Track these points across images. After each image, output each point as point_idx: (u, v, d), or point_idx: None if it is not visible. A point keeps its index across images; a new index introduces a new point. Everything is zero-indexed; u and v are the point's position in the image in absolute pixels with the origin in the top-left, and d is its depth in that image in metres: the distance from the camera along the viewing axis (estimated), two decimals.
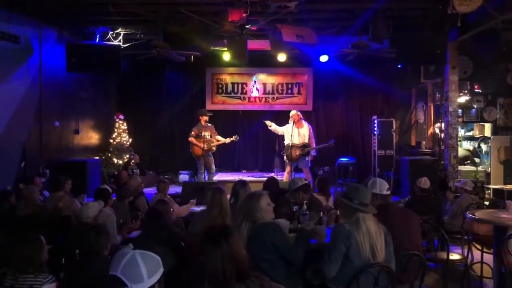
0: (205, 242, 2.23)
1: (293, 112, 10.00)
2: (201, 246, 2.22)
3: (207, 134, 9.94)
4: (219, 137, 10.25)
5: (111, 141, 11.56)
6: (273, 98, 13.01)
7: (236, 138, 10.23)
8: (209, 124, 10.19)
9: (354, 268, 3.31)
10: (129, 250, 1.98)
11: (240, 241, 2.32)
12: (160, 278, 2.00)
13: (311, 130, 10.13)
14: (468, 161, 10.72)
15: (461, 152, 10.26)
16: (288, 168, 10.08)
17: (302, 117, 10.10)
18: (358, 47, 9.17)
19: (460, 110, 10.18)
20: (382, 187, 4.20)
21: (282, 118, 10.65)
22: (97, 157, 10.79)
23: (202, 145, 9.80)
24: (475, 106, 10.84)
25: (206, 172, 10.17)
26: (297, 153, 9.83)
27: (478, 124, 11.12)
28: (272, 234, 3.57)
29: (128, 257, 1.95)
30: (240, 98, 13.07)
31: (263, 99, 13.03)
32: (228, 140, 10.22)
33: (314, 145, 10.01)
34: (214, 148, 10.18)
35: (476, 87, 10.74)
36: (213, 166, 10.24)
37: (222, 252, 2.16)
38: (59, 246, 4.23)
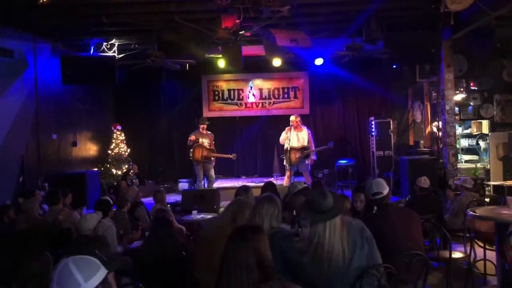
0: (233, 236, 2.34)
1: (293, 118, 10.00)
2: (228, 241, 2.33)
3: (205, 142, 9.94)
4: (215, 153, 10.28)
5: (109, 152, 11.54)
6: (270, 103, 13.02)
7: (234, 156, 10.35)
8: (209, 132, 10.20)
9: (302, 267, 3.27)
10: (64, 260, 1.92)
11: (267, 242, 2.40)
12: (106, 280, 1.95)
13: (310, 134, 10.14)
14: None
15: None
16: (288, 173, 10.06)
17: (301, 121, 10.10)
18: (353, 49, 9.20)
19: (457, 108, 10.20)
20: (380, 187, 4.14)
21: (279, 122, 10.67)
22: (96, 169, 10.77)
23: (197, 151, 9.81)
24: (471, 104, 10.85)
25: (205, 179, 10.16)
26: (297, 156, 9.82)
27: (475, 121, 11.13)
28: (281, 243, 3.51)
29: (61, 267, 1.91)
30: (237, 104, 13.08)
31: (260, 104, 13.03)
32: (225, 156, 10.31)
33: (313, 149, 10.01)
34: (212, 158, 10.17)
35: (472, 84, 10.77)
36: (212, 173, 10.23)
37: (247, 244, 2.25)
38: (60, 259, 4.20)
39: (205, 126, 10.12)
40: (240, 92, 13.08)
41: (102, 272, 1.96)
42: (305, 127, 10.20)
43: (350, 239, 3.24)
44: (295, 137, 9.87)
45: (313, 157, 10.13)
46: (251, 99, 13.01)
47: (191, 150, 9.98)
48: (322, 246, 3.17)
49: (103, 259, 2.02)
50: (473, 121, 11.18)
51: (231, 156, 10.25)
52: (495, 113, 10.84)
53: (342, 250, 3.17)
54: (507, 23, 8.51)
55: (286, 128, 10.12)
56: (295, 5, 7.34)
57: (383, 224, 3.62)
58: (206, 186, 10.14)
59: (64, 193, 6.48)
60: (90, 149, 11.33)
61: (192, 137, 9.93)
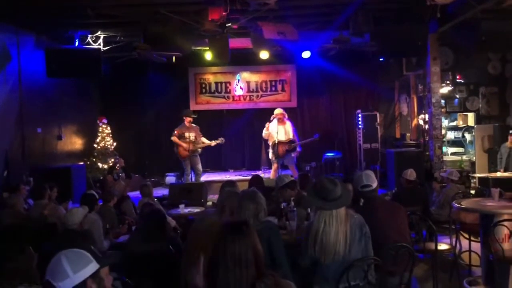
0: (228, 232, 2.26)
1: (278, 111, 9.98)
2: (222, 236, 2.25)
3: (191, 135, 9.88)
4: (204, 139, 10.18)
5: (95, 145, 11.44)
6: (257, 96, 12.99)
7: (222, 140, 10.20)
8: (194, 125, 10.11)
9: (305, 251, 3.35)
10: (60, 252, 2.05)
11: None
12: (97, 274, 2.04)
13: (293, 126, 10.15)
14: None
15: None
16: (274, 166, 10.07)
17: (285, 114, 10.09)
18: (340, 42, 9.20)
19: (443, 101, 10.27)
20: (369, 179, 4.15)
21: (267, 115, 10.62)
22: (82, 163, 10.67)
23: (187, 146, 9.74)
24: (457, 96, 10.93)
25: (192, 173, 10.11)
26: (284, 149, 9.84)
27: (461, 114, 11.23)
28: (269, 233, 3.53)
29: (54, 259, 2.02)
30: (224, 97, 13.03)
31: (247, 98, 13.00)
32: (213, 142, 10.15)
33: (297, 141, 10.03)
34: (199, 149, 10.10)
35: (458, 77, 10.84)
36: (200, 167, 10.18)
37: (245, 240, 2.20)
38: (45, 254, 4.16)
39: (191, 119, 10.04)
40: (228, 85, 13.03)
41: (92, 266, 2.04)
42: (288, 120, 10.19)
43: (352, 231, 3.35)
44: (282, 131, 9.87)
45: (298, 149, 10.15)
46: (239, 92, 12.97)
47: (177, 146, 9.90)
48: (328, 234, 3.25)
49: (97, 254, 2.12)
50: (459, 114, 11.28)
51: (219, 141, 10.17)
52: (480, 105, 10.94)
53: (344, 240, 3.29)
54: (493, 16, 8.55)
55: (268, 123, 10.10)
56: None
57: (370, 216, 3.62)
58: (193, 179, 10.10)
59: (50, 187, 6.41)
60: (76, 142, 11.21)
61: (177, 132, 9.84)
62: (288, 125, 10.02)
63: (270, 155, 10.12)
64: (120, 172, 9.83)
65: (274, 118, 9.98)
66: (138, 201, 7.10)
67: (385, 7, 8.79)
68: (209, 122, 12.48)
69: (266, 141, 10.52)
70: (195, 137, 9.97)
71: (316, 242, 3.28)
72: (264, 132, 10.20)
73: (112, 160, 11.09)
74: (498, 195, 5.13)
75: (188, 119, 10.00)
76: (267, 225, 3.62)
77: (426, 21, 8.60)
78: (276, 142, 9.81)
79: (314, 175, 11.43)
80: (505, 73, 10.77)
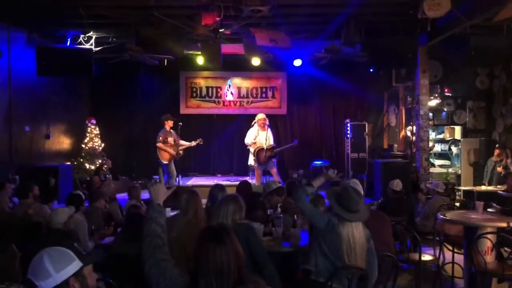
0: (207, 239, 2.15)
1: (261, 116, 10.05)
2: (202, 244, 2.14)
3: (171, 140, 9.86)
4: (182, 142, 10.17)
5: (83, 146, 11.36)
6: (248, 102, 13.02)
7: (200, 141, 10.21)
8: (172, 131, 10.07)
9: (332, 264, 3.37)
10: (41, 251, 2.02)
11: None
12: (80, 273, 2.02)
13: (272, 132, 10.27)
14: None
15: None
16: (258, 172, 10.15)
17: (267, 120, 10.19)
18: (331, 51, 9.27)
19: (431, 113, 10.38)
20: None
21: None
22: (69, 163, 10.58)
23: (171, 150, 9.72)
24: (445, 109, 11.05)
25: (166, 177, 10.04)
26: (267, 155, 9.90)
27: (448, 127, 11.35)
28: (247, 233, 3.56)
29: (36, 258, 1.99)
30: (214, 102, 13.04)
31: (238, 103, 13.02)
32: (193, 143, 10.16)
33: (280, 147, 10.13)
34: (181, 152, 10.08)
35: (446, 90, 10.96)
36: (175, 171, 10.19)
37: (226, 247, 2.11)
38: (29, 253, 4.13)
39: (171, 124, 10.00)
40: (218, 89, 13.04)
41: (75, 265, 2.02)
42: (268, 126, 10.27)
43: (365, 239, 3.50)
44: (265, 136, 9.97)
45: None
46: (229, 97, 12.99)
47: (159, 151, 9.84)
48: (357, 242, 3.41)
49: (80, 253, 2.08)
50: (446, 127, 11.40)
51: (198, 141, 10.19)
52: (467, 119, 11.07)
53: (366, 246, 3.48)
54: (482, 31, 8.70)
55: (252, 130, 10.13)
56: (275, 5, 7.36)
57: None
58: (181, 183, 10.07)
59: (32, 185, 6.36)
60: (64, 142, 11.13)
61: (162, 137, 9.81)
62: (269, 131, 10.14)
63: (253, 162, 10.16)
64: (107, 173, 9.78)
65: (255, 123, 10.05)
66: (124, 203, 7.07)
67: (377, 19, 8.89)
68: (198, 126, 12.47)
69: None
70: (175, 141, 9.95)
71: (349, 252, 3.37)
72: (251, 141, 10.21)
73: (100, 161, 11.02)
74: (482, 208, 5.20)
75: (170, 123, 9.95)
76: (244, 226, 3.66)
77: (416, 34, 8.72)
78: (264, 148, 9.86)
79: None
80: (492, 88, 10.91)
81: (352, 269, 3.33)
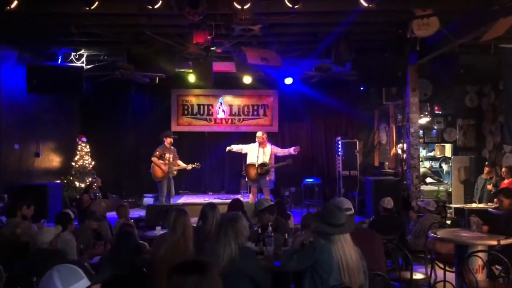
0: (173, 274, 2.04)
1: (259, 134, 9.99)
2: (170, 278, 2.03)
3: (170, 157, 9.82)
4: (180, 162, 10.12)
5: (73, 164, 11.29)
6: (239, 119, 13.05)
7: (198, 165, 10.14)
8: (172, 147, 10.05)
9: (327, 285, 3.32)
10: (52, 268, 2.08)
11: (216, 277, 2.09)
12: None
13: (274, 150, 10.03)
14: (428, 178, 11.00)
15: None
16: (253, 189, 10.05)
17: (267, 138, 10.09)
18: (321, 70, 9.33)
19: (421, 131, 10.44)
20: (341, 204, 4.19)
21: (248, 139, 10.65)
22: (59, 181, 10.51)
23: (165, 168, 9.66)
24: (435, 127, 11.14)
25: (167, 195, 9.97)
26: (257, 172, 9.76)
27: (439, 144, 11.43)
28: (253, 260, 3.52)
29: (46, 274, 2.04)
30: (206, 119, 13.05)
31: (229, 121, 13.05)
32: (189, 166, 10.09)
33: (272, 165, 9.96)
34: (175, 172, 10.00)
35: (436, 108, 11.07)
36: (173, 190, 10.09)
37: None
38: (16, 274, 4.06)
39: (171, 141, 9.97)
40: (210, 107, 13.06)
41: (83, 283, 2.07)
42: (269, 143, 10.17)
43: (359, 254, 3.45)
44: (262, 153, 9.85)
45: (272, 176, 10.02)
46: (221, 115, 13.01)
47: (153, 166, 9.80)
48: (350, 256, 3.35)
49: (89, 271, 2.15)
50: (436, 144, 11.47)
51: (194, 165, 10.11)
52: (457, 137, 11.15)
53: (360, 264, 3.39)
54: (470, 50, 8.82)
55: (252, 144, 10.10)
56: (266, 25, 7.43)
57: None
58: (171, 201, 9.99)
59: (27, 205, 6.30)
60: (53, 160, 11.05)
61: (159, 152, 9.76)
62: (268, 148, 9.96)
63: (246, 178, 10.11)
64: (97, 192, 9.70)
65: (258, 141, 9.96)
66: (114, 222, 7.00)
67: (367, 38, 8.99)
68: (190, 144, 12.46)
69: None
70: (173, 159, 9.91)
71: (343, 269, 3.31)
72: (236, 147, 10.21)
73: (90, 179, 10.94)
74: (477, 223, 5.22)
75: (169, 139, 9.93)
76: (250, 252, 3.61)
77: (406, 53, 8.81)
78: (250, 164, 9.82)
79: (293, 200, 11.46)
80: (482, 106, 11.03)
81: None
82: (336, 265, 3.31)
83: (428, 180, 11.17)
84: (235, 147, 10.29)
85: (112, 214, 8.58)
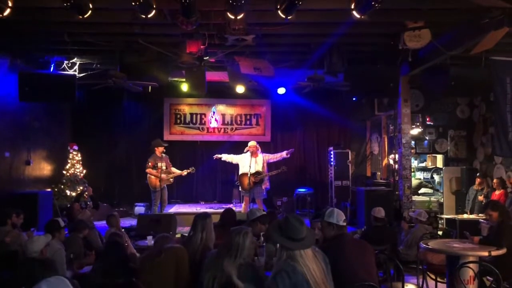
0: None
1: (252, 143, 9.98)
2: None
3: (163, 165, 9.80)
4: (174, 169, 10.12)
5: (64, 172, 11.22)
6: (232, 129, 13.05)
7: (192, 170, 10.14)
8: (164, 155, 10.03)
9: None
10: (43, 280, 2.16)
11: None
12: None
13: (265, 158, 10.05)
14: (421, 189, 11.05)
15: (413, 182, 10.55)
16: (246, 199, 10.04)
17: (259, 148, 10.09)
18: (314, 80, 9.36)
19: (413, 142, 10.51)
20: (339, 217, 4.19)
21: (240, 148, 10.63)
22: (49, 189, 10.42)
23: (163, 177, 9.64)
24: (427, 138, 11.20)
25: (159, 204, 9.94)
26: (252, 181, 9.75)
27: (430, 155, 11.49)
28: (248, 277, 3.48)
29: (36, 286, 2.12)
30: (198, 128, 13.04)
31: (222, 130, 13.05)
32: (184, 172, 10.10)
33: (267, 173, 9.95)
34: (171, 180, 10.02)
35: (427, 119, 11.14)
36: (166, 198, 10.07)
37: None
38: (4, 283, 4.01)
39: (162, 149, 9.96)
40: (203, 116, 13.06)
41: None
42: (261, 152, 10.17)
43: (322, 266, 3.22)
44: (254, 163, 9.85)
45: (267, 186, 10.07)
46: (213, 124, 13.01)
47: (149, 177, 9.78)
48: (315, 272, 3.10)
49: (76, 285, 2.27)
50: (428, 155, 11.53)
51: (190, 170, 10.11)
52: (449, 148, 11.22)
53: (326, 274, 3.16)
54: (461, 62, 8.90)
55: (243, 155, 10.09)
56: (259, 35, 7.46)
57: (338, 253, 3.63)
58: (165, 210, 9.94)
59: (16, 214, 6.23)
60: (44, 168, 10.97)
61: (151, 163, 9.74)
62: (260, 157, 9.96)
63: (240, 188, 10.09)
64: (88, 201, 9.62)
65: (247, 150, 9.96)
66: (105, 231, 6.94)
67: (359, 49, 9.05)
68: (182, 153, 12.45)
69: (238, 175, 10.42)
70: (166, 167, 9.90)
71: (313, 280, 3.06)
72: (227, 157, 10.22)
73: (81, 187, 10.86)
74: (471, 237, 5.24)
75: (160, 149, 9.92)
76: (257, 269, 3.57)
77: (398, 64, 8.88)
78: (243, 173, 9.81)
79: (285, 210, 11.43)
80: (473, 117, 11.12)
81: None
82: (306, 284, 3.07)
83: (423, 190, 11.22)
84: (224, 156, 10.30)
85: (103, 224, 8.52)
